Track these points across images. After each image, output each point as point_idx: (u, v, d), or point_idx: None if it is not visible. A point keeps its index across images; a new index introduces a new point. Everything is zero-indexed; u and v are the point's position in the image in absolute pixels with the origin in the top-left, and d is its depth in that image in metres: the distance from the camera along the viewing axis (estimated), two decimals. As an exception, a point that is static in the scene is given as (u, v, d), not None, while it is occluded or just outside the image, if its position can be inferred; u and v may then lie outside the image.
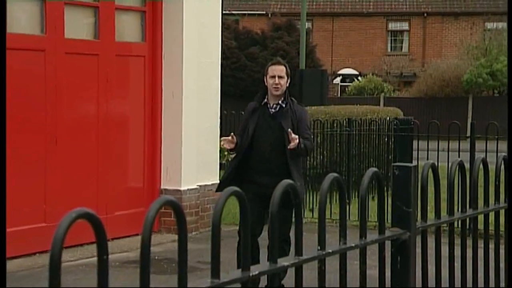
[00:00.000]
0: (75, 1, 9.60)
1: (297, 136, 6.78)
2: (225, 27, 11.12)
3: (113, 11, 9.97)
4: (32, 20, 9.22)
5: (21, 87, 8.87)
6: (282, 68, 7.19)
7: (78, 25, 9.70)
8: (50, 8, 9.21)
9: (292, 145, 6.76)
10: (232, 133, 7.14)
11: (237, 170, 7.19)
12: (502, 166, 3.17)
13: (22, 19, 9.11)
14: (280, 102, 7.14)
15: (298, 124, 7.04)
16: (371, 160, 13.01)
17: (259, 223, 6.93)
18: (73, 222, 1.49)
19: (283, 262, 2.03)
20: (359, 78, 40.67)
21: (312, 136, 7.55)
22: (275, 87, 7.08)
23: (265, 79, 7.26)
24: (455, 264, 2.88)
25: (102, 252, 1.60)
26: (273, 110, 7.14)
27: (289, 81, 7.25)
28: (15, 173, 8.69)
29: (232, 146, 7.08)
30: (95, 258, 1.51)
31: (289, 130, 6.79)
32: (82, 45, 9.63)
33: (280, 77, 7.09)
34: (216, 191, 7.45)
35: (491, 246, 3.16)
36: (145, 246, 1.66)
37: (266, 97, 7.22)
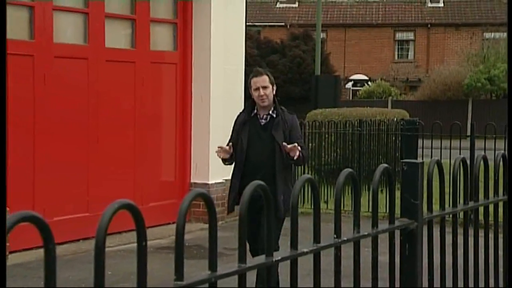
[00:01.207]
0: (114, 14, 9.63)
1: (295, 144, 6.02)
2: (248, 37, 11.06)
3: (148, 23, 10.00)
4: (77, 32, 9.28)
5: (67, 92, 8.93)
6: (264, 78, 6.28)
7: (117, 36, 9.75)
8: (92, 21, 9.26)
9: (296, 154, 6.00)
10: (230, 143, 6.31)
11: (240, 188, 6.20)
12: (501, 163, 3.15)
13: (68, 31, 9.17)
14: (270, 112, 6.28)
15: (290, 134, 6.22)
16: (380, 157, 12.96)
17: (257, 237, 6.04)
18: (116, 212, 1.49)
19: (303, 248, 2.03)
20: (369, 83, 40.58)
21: (304, 144, 6.60)
22: (261, 99, 6.20)
23: (250, 92, 6.39)
24: (458, 251, 2.87)
25: (141, 239, 1.60)
26: (263, 121, 6.28)
27: (275, 88, 6.36)
28: (61, 169, 8.76)
29: (227, 156, 6.30)
30: (132, 245, 1.51)
31: (284, 144, 6.04)
32: (120, 53, 9.68)
33: (263, 87, 6.21)
34: (228, 213, 6.71)
35: (491, 235, 3.14)
36: (180, 234, 1.67)
37: (256, 108, 6.36)
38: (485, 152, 7.46)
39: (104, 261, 1.47)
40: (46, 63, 8.73)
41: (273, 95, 6.30)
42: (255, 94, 6.23)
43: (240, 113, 6.54)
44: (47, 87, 8.72)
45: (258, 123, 6.27)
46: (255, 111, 6.33)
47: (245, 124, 6.30)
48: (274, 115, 6.25)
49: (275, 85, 6.35)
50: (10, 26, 8.13)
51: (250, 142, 6.24)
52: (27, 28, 8.65)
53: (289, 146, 5.97)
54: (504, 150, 3.19)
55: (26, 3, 8.59)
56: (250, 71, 12.16)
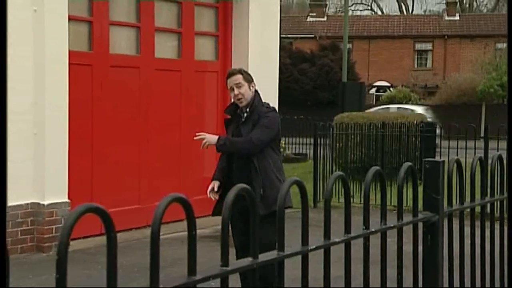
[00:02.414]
0: (163, 27, 9.69)
1: (202, 134, 5.57)
2: (281, 48, 11.03)
3: (193, 36, 10.05)
4: (130, 43, 9.36)
5: (121, 97, 9.01)
6: (238, 77, 5.44)
7: (165, 47, 9.81)
8: (143, 34, 9.33)
9: (202, 144, 5.53)
10: (217, 183, 5.51)
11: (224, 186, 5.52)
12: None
13: (122, 43, 9.25)
14: (248, 109, 5.45)
15: (255, 126, 5.39)
16: (401, 156, 12.86)
17: (245, 245, 4.93)
18: (170, 204, 1.50)
19: (335, 238, 2.02)
20: (391, 89, 40.30)
21: (260, 137, 5.33)
22: (238, 99, 5.41)
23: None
24: (476, 241, 2.84)
25: (192, 229, 1.61)
26: (243, 119, 5.49)
27: (253, 85, 5.49)
28: (116, 166, 8.84)
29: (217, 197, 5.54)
30: (176, 234, 1.51)
31: (197, 134, 5.59)
32: (168, 63, 9.74)
33: (237, 86, 5.39)
34: (212, 215, 5.61)
35: (505, 227, 3.10)
36: (225, 224, 1.67)
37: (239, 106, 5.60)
38: (498, 152, 7.40)
39: (158, 247, 1.48)
40: (103, 71, 8.82)
41: (254, 92, 5.47)
42: (231, 95, 5.51)
43: (227, 108, 5.81)
44: (104, 93, 8.81)
45: (239, 120, 5.52)
46: (239, 109, 5.56)
47: (231, 122, 5.62)
48: (249, 110, 5.44)
49: (253, 82, 5.50)
50: (72, 38, 8.25)
51: None
52: (87, 40, 8.75)
53: (199, 136, 5.55)
54: (508, 151, 3.15)
55: (85, 19, 8.68)
56: (282, 78, 12.26)
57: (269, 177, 5.30)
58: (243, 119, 5.44)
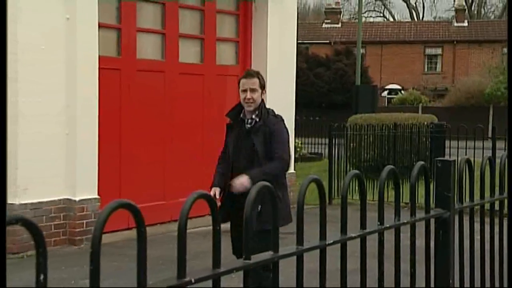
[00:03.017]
0: (186, 34, 9.71)
1: (239, 180, 4.74)
2: (298, 53, 11.02)
3: (215, 42, 10.06)
4: (155, 49, 9.39)
5: (147, 99, 9.05)
6: (255, 80, 5.00)
7: (188, 53, 9.83)
8: (168, 40, 9.36)
9: (234, 189, 4.76)
10: (218, 189, 5.02)
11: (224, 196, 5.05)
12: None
13: (148, 49, 9.28)
14: (254, 116, 4.98)
15: (271, 139, 4.93)
16: (412, 155, 12.77)
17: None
18: (195, 201, 1.50)
19: (351, 233, 2.01)
20: (402, 91, 40.11)
21: (286, 152, 4.98)
22: (247, 102, 4.96)
23: (238, 92, 5.10)
24: (485, 236, 2.82)
25: (216, 224, 1.61)
26: (248, 125, 5.00)
27: (264, 93, 5.09)
28: (142, 164, 8.88)
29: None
30: (198, 229, 1.51)
31: (230, 184, 4.84)
32: (191, 67, 9.76)
33: (252, 90, 4.95)
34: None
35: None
36: (247, 219, 1.67)
37: (243, 111, 5.08)
38: (506, 151, 7.34)
39: (185, 240, 1.48)
40: (131, 75, 8.87)
41: (262, 99, 5.07)
42: (241, 96, 5.01)
43: (229, 112, 5.23)
44: (131, 95, 8.85)
45: (244, 128, 5.03)
46: (242, 114, 5.09)
47: (232, 127, 5.13)
48: (258, 119, 4.97)
49: (265, 89, 5.11)
50: (102, 44, 8.29)
51: (235, 148, 5.05)
52: (115, 46, 8.80)
53: (233, 183, 4.79)
54: (508, 151, 3.11)
55: (114, 26, 8.73)
56: (299, 82, 12.20)
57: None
58: (247, 125, 4.99)
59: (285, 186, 5.13)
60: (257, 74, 5.08)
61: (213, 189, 5.02)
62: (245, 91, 4.97)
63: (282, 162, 4.92)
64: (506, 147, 2.94)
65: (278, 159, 4.89)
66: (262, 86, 5.05)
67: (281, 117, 5.13)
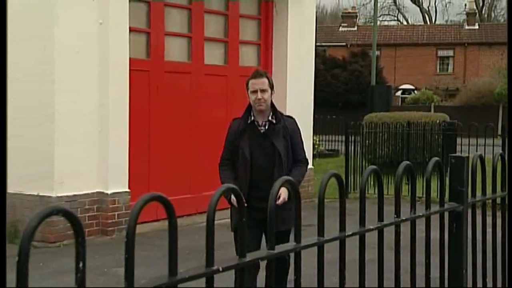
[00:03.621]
0: (211, 37, 9.73)
1: (282, 196, 4.32)
2: (316, 55, 10.93)
3: (238, 45, 10.07)
4: (182, 52, 9.42)
5: (174, 99, 9.08)
6: (264, 80, 4.62)
7: (213, 55, 9.85)
8: (194, 43, 9.39)
9: (281, 201, 4.30)
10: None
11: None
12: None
13: (176, 52, 9.32)
14: (269, 118, 4.63)
15: (291, 140, 4.62)
16: (425, 152, 12.66)
17: (257, 242, 4.52)
18: (222, 194, 1.50)
19: (369, 225, 2.00)
20: (415, 91, 39.82)
21: (305, 153, 4.77)
22: (258, 103, 4.56)
23: (247, 94, 4.68)
24: (497, 229, 2.78)
25: (242, 216, 1.61)
26: (263, 128, 4.62)
27: (273, 93, 4.71)
28: (169, 160, 8.92)
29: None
30: (221, 221, 1.51)
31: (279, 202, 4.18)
32: (216, 69, 9.77)
33: (262, 90, 4.58)
34: (233, 231, 4.66)
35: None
36: (272, 212, 1.66)
37: (252, 114, 4.65)
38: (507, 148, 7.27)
39: (213, 231, 1.48)
40: (159, 76, 8.90)
41: (271, 101, 4.70)
42: (252, 97, 4.61)
43: (234, 120, 4.81)
44: (160, 95, 8.89)
45: (257, 130, 4.62)
46: (252, 117, 4.66)
47: (244, 132, 4.62)
48: (274, 121, 4.63)
49: (274, 90, 4.74)
50: (132, 47, 8.34)
51: (254, 152, 4.59)
52: (145, 49, 8.84)
53: (277, 201, 4.11)
54: (508, 150, 3.07)
55: (144, 30, 8.77)
56: (317, 82, 12.15)
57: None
58: (262, 128, 4.60)
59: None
60: (266, 74, 4.74)
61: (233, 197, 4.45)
62: (255, 91, 4.59)
63: (306, 164, 4.78)
64: (507, 146, 2.88)
65: (303, 162, 4.72)
66: (272, 86, 4.70)
67: (293, 117, 4.86)
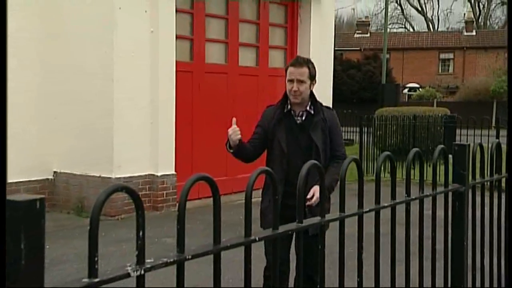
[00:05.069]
0: (245, 43, 9.70)
1: (312, 194, 3.31)
2: (334, 58, 10.85)
3: (267, 49, 10.02)
4: (220, 55, 9.41)
5: (213, 96, 9.09)
6: (304, 70, 3.51)
7: (246, 58, 9.82)
8: (230, 48, 9.37)
9: (314, 201, 3.30)
10: (233, 120, 3.71)
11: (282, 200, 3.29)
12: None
13: (214, 55, 9.32)
14: (307, 108, 3.57)
15: (330, 133, 3.56)
16: (428, 141, 12.50)
17: (286, 251, 3.49)
18: (259, 175, 1.49)
19: (384, 203, 1.97)
20: (420, 89, 39.21)
21: (344, 149, 3.67)
22: (293, 95, 3.52)
23: (285, 82, 3.59)
24: (494, 208, 2.73)
25: (275, 193, 1.60)
26: (299, 118, 3.57)
27: (314, 84, 3.58)
28: (209, 147, 8.94)
29: (236, 142, 3.61)
30: (254, 199, 1.49)
31: (309, 203, 3.30)
32: (248, 70, 9.75)
33: (299, 81, 3.49)
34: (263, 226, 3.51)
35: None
36: (301, 191, 1.65)
37: (289, 102, 3.59)
38: (507, 138, 7.11)
39: (251, 206, 1.48)
40: (200, 77, 8.92)
41: (311, 91, 3.59)
42: (288, 87, 3.55)
43: (268, 107, 3.77)
44: (201, 93, 8.91)
45: (293, 121, 3.58)
46: (289, 106, 3.60)
47: (280, 121, 3.59)
48: (312, 112, 3.57)
49: (315, 81, 3.60)
50: (178, 52, 8.36)
51: (289, 144, 3.55)
52: (189, 53, 8.86)
53: (311, 201, 3.32)
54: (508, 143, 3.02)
55: (188, 37, 8.79)
56: (335, 81, 12.05)
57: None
58: (298, 118, 3.58)
59: None
60: (307, 63, 3.56)
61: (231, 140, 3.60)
62: (291, 81, 3.53)
63: (343, 158, 3.52)
64: (507, 134, 2.81)
65: (343, 158, 3.52)
66: (312, 77, 3.57)
67: (332, 109, 3.78)
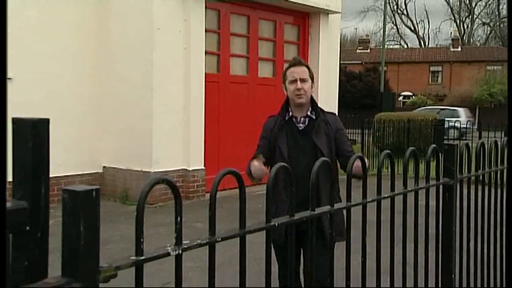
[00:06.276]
0: (263, 57, 9.68)
1: (354, 162, 1.81)
2: (339, 70, 10.80)
3: (283, 62, 9.97)
4: (242, 68, 9.41)
5: (236, 103, 9.08)
6: (304, 69, 3.04)
7: (264, 70, 9.80)
8: (251, 61, 9.35)
9: (358, 171, 2.17)
10: (260, 156, 3.00)
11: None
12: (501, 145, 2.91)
13: (237, 67, 9.31)
14: (308, 113, 3.05)
15: (336, 137, 3.01)
16: (420, 142, 12.35)
17: (295, 265, 2.78)
18: (279, 170, 1.48)
19: (385, 194, 1.95)
20: (413, 97, 38.79)
21: (352, 148, 3.06)
22: (297, 94, 3.00)
23: (283, 88, 3.11)
24: (478, 199, 2.68)
25: (292, 186, 1.59)
26: (301, 125, 3.05)
27: (313, 85, 3.10)
28: (233, 147, 8.94)
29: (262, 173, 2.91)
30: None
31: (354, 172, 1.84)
32: (266, 80, 9.72)
33: (302, 80, 3.01)
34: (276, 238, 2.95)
35: (499, 190, 2.91)
36: (313, 184, 1.63)
37: (289, 109, 3.10)
38: (488, 139, 6.97)
39: (272, 196, 1.46)
40: (226, 86, 8.92)
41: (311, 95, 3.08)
42: (290, 88, 3.04)
43: (269, 117, 3.24)
44: (226, 100, 8.91)
45: (295, 127, 3.06)
46: (290, 113, 3.09)
47: (281, 129, 3.08)
48: (314, 116, 3.05)
49: (313, 82, 3.10)
50: (207, 65, 8.38)
51: (292, 151, 3.02)
52: (216, 66, 8.87)
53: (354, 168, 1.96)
54: (508, 142, 2.95)
55: (215, 52, 8.80)
56: (340, 90, 11.98)
57: (336, 199, 2.87)
58: (300, 125, 3.06)
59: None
60: (305, 63, 3.13)
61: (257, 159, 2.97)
62: (294, 81, 3.01)
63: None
64: (506, 134, 2.74)
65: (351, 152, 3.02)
66: (311, 77, 3.09)
67: (334, 113, 3.32)
